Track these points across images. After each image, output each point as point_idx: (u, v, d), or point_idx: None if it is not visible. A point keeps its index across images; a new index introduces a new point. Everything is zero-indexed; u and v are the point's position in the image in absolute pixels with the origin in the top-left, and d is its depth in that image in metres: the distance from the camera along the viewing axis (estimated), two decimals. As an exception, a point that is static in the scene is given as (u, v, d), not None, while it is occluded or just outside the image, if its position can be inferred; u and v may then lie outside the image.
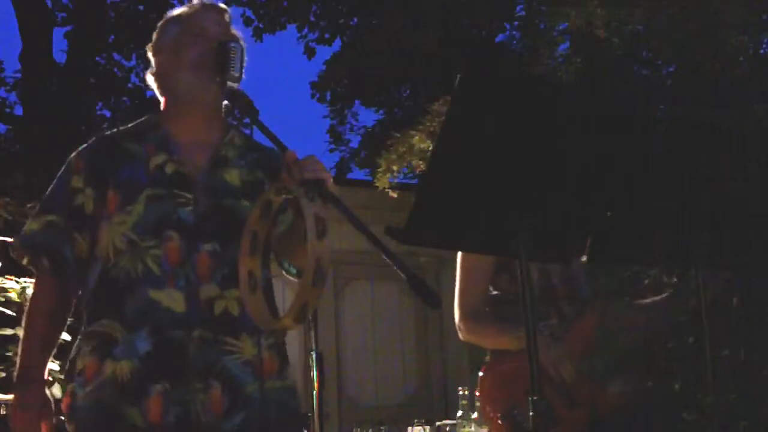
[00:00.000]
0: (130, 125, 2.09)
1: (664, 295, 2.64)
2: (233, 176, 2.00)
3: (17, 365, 1.96)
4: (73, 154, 2.04)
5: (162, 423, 1.81)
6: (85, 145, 2.06)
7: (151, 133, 2.03)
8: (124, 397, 1.83)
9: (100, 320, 1.90)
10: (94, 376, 1.87)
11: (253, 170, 2.05)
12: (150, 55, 2.10)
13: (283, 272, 2.08)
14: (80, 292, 2.01)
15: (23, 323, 2.01)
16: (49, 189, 2.03)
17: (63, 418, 1.95)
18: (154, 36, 2.10)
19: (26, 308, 2.02)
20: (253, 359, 1.91)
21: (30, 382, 1.94)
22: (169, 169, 1.97)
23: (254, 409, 1.89)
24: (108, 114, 11.73)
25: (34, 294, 2.02)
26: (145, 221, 1.90)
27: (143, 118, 2.10)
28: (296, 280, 2.02)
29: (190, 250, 1.90)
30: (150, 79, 2.10)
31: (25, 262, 2.01)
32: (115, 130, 2.09)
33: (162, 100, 2.09)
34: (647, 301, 2.72)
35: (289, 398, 2.00)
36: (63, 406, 1.94)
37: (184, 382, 1.84)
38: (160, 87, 2.08)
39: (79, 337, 1.97)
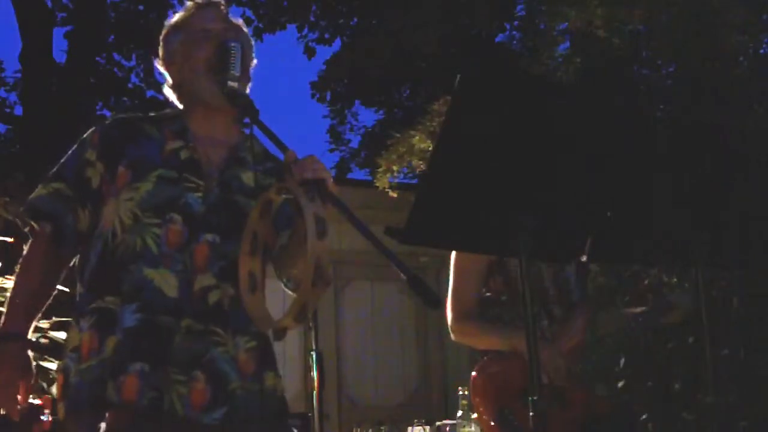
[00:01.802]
0: (150, 114, 2.09)
1: (643, 309, 2.65)
2: (249, 177, 2.00)
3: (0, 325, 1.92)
4: (91, 130, 2.04)
5: (135, 403, 1.79)
6: (102, 123, 2.06)
7: (170, 121, 2.04)
8: (108, 371, 1.81)
9: (103, 297, 1.88)
10: (93, 353, 1.84)
11: (268, 177, 2.04)
12: (162, 69, 2.10)
13: (282, 286, 2.07)
14: (77, 271, 1.99)
15: (12, 285, 1.98)
16: (63, 158, 2.03)
17: (57, 405, 1.92)
18: (160, 49, 2.10)
19: (17, 269, 2.00)
20: (238, 358, 1.90)
21: (9, 339, 1.89)
22: (183, 154, 1.97)
23: (236, 406, 1.88)
24: (108, 114, 11.72)
25: (27, 257, 1.98)
26: (152, 199, 1.90)
27: (163, 111, 2.10)
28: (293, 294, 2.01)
29: (191, 238, 1.89)
30: (168, 92, 2.10)
31: (27, 229, 2.00)
32: (134, 114, 2.09)
33: (181, 107, 2.09)
34: (637, 310, 2.72)
35: (266, 401, 1.96)
36: (58, 384, 1.90)
37: (164, 369, 1.82)
38: (178, 96, 2.09)
39: (75, 314, 1.94)
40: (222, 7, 2.10)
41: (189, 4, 2.11)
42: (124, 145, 1.97)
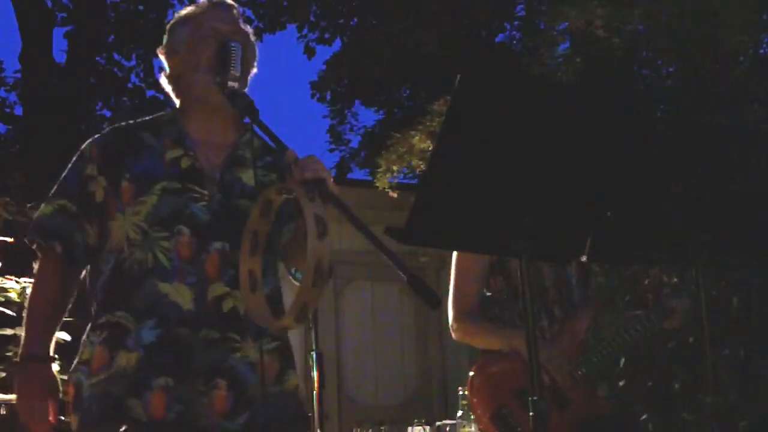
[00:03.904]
0: (146, 118, 2.08)
1: (643, 313, 2.64)
2: (249, 177, 1.99)
3: (20, 348, 1.93)
4: (88, 142, 2.03)
5: (164, 419, 1.80)
6: (99, 134, 2.05)
7: (168, 127, 2.03)
8: (128, 388, 1.82)
9: (114, 312, 1.89)
10: (103, 367, 1.85)
11: (268, 173, 2.04)
12: (162, 57, 2.09)
13: (290, 278, 2.07)
14: (89, 284, 2.00)
15: (26, 305, 1.99)
16: (63, 175, 2.02)
17: (63, 417, 1.93)
18: (165, 38, 2.10)
19: (30, 289, 2.01)
20: (256, 362, 1.90)
21: (34, 360, 1.91)
22: (184, 163, 1.97)
23: (258, 410, 1.88)
24: (108, 114, 11.71)
25: (39, 277, 1.99)
26: (158, 213, 1.90)
27: (160, 113, 2.10)
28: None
29: (201, 248, 1.90)
30: (164, 82, 2.09)
31: (35, 246, 1.99)
32: (131, 121, 2.08)
33: (177, 102, 2.09)
34: (636, 313, 2.71)
35: (288, 403, 1.98)
36: (69, 396, 1.91)
37: (187, 381, 1.83)
38: (175, 89, 2.08)
39: (88, 328, 1.95)
40: (234, 11, 2.10)
41: (203, 0, 2.11)
42: (124, 157, 1.96)
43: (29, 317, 1.96)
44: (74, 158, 2.03)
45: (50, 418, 1.87)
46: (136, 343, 1.84)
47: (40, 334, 1.94)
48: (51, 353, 1.95)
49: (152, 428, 1.80)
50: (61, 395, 1.94)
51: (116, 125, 2.08)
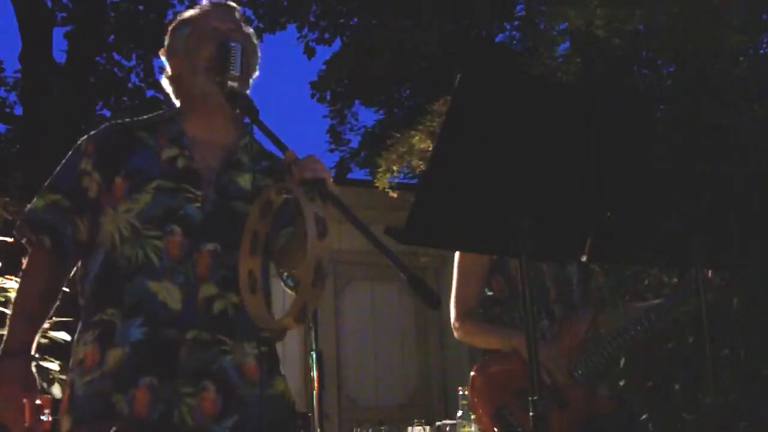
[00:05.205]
0: (144, 117, 2.08)
1: (659, 300, 2.63)
2: (245, 180, 1.98)
3: (3, 341, 1.91)
4: (84, 137, 2.02)
5: (147, 418, 1.79)
6: (96, 130, 2.04)
7: (165, 126, 2.02)
8: (115, 385, 1.81)
9: (104, 309, 1.88)
10: (95, 366, 1.84)
11: (265, 178, 2.03)
12: (163, 58, 2.10)
13: (282, 284, 2.06)
14: (78, 280, 1.99)
15: (13, 299, 1.98)
16: (58, 168, 2.01)
17: (59, 418, 1.92)
18: (167, 39, 2.10)
19: (18, 284, 1.99)
20: (245, 365, 1.89)
21: (13, 356, 1.88)
22: (180, 163, 1.96)
23: (246, 414, 1.87)
24: (108, 114, 11.71)
25: (27, 271, 1.97)
26: (151, 211, 1.89)
27: (158, 112, 2.09)
28: (293, 293, 2.00)
29: (192, 248, 1.89)
30: (165, 83, 2.09)
31: (24, 240, 1.98)
32: (127, 119, 2.07)
33: (177, 102, 2.08)
34: (643, 304, 2.71)
35: (277, 407, 1.96)
36: (64, 398, 1.90)
37: (172, 382, 1.82)
38: (175, 90, 2.08)
39: (79, 327, 1.94)
40: (236, 13, 2.10)
41: (204, 2, 2.11)
42: (120, 154, 1.95)
43: (14, 312, 1.94)
44: (70, 153, 2.02)
45: (25, 417, 1.82)
46: (123, 340, 1.83)
47: (25, 328, 1.92)
48: (33, 350, 1.92)
49: (135, 427, 1.79)
50: (59, 394, 1.93)
51: (113, 122, 2.07)
